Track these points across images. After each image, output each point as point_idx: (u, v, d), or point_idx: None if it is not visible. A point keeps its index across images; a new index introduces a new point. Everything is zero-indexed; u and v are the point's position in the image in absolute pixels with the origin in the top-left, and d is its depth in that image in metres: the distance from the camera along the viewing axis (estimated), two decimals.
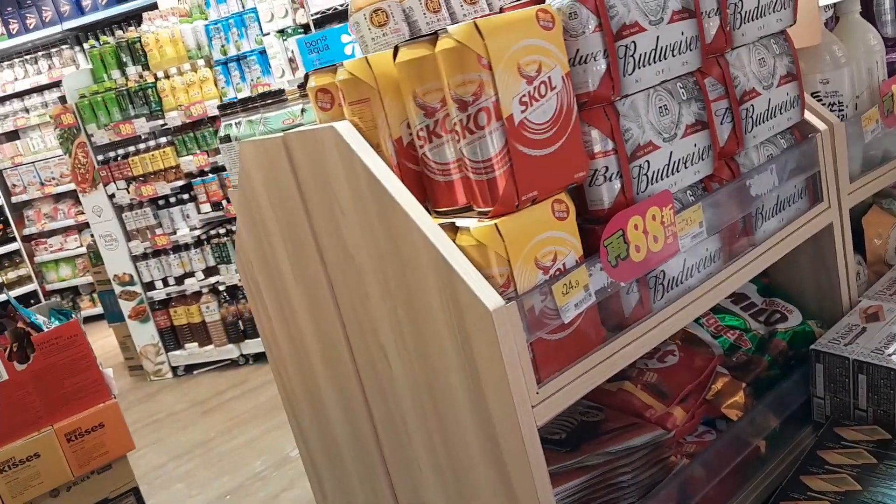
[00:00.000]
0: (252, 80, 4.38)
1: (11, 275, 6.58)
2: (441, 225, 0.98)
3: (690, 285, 1.16)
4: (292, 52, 4.26)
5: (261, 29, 4.32)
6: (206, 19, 4.51)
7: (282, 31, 4.28)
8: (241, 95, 4.41)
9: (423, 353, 1.07)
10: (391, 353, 1.16)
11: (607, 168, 1.05)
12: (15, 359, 2.26)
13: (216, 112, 4.46)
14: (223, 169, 4.60)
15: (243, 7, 4.39)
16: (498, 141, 0.92)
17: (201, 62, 4.46)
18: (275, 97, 1.32)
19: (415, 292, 1.03)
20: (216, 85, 4.48)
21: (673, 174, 1.12)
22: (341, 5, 4.08)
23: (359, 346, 1.25)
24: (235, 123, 1.45)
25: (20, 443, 2.23)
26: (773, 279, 1.55)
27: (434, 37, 0.95)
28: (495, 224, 0.93)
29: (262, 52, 4.33)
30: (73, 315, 2.65)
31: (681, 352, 1.35)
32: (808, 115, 1.36)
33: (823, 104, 1.45)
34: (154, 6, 5.19)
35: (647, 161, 1.08)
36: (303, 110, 1.24)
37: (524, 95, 0.92)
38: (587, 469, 1.10)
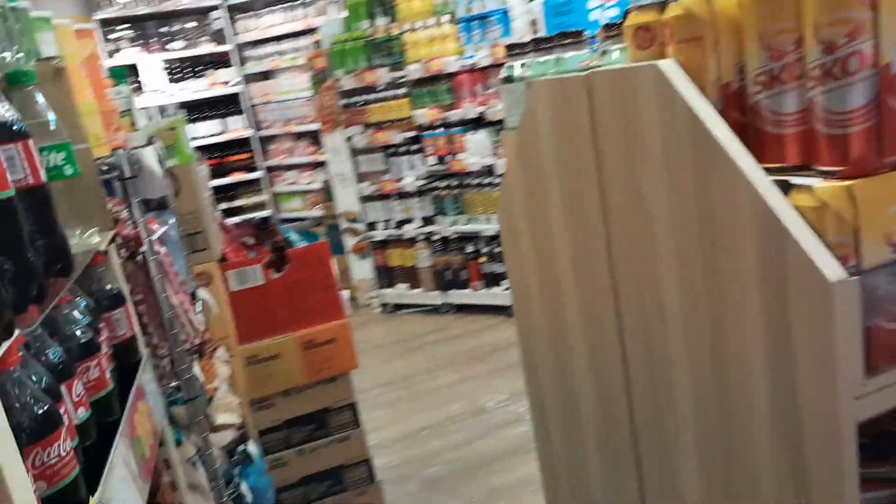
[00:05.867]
0: (492, 41, 4.42)
1: (252, 200, 7.36)
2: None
3: None
4: (536, 15, 4.22)
5: None
6: None
7: None
8: (479, 55, 4.47)
9: (716, 318, 0.99)
10: (671, 314, 1.09)
11: None
12: (272, 268, 2.51)
13: (453, 69, 4.57)
14: (453, 125, 4.73)
15: None
16: (866, 92, 0.80)
17: (445, 17, 4.58)
18: (574, 37, 1.28)
19: (722, 252, 0.95)
20: (457, 41, 4.58)
21: None
22: None
23: (629, 303, 1.20)
24: (521, 64, 1.43)
25: (265, 342, 2.48)
26: None
27: None
28: (848, 185, 0.81)
29: (505, 13, 4.34)
30: (319, 237, 2.88)
31: None
32: None
33: None
34: None
35: None
36: (604, 53, 1.19)
37: None
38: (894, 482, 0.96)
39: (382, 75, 4.85)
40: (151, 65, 6.99)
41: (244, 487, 1.67)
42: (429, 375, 3.98)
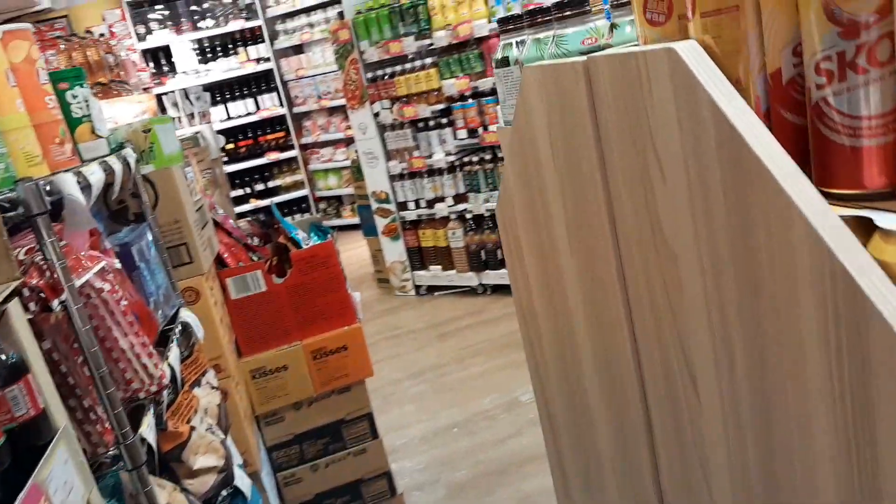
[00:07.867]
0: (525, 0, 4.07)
1: (289, 179, 7.22)
2: (842, 218, 0.60)
3: None
4: None
5: None
6: None
7: None
8: None
9: (764, 403, 0.72)
10: (703, 378, 0.82)
11: None
12: (274, 272, 2.30)
13: (483, 33, 4.24)
14: (483, 94, 4.41)
15: None
16: None
17: None
18: (575, 7, 0.98)
19: (770, 311, 0.67)
20: (486, 3, 4.24)
21: None
22: None
23: (651, 360, 0.93)
24: (517, 43, 1.15)
25: (272, 353, 2.29)
26: None
27: None
28: None
29: None
30: (331, 235, 2.66)
31: None
32: None
33: None
34: None
35: None
36: (613, 27, 0.90)
37: None
38: None
39: (409, 44, 4.56)
40: (183, 46, 6.85)
41: None
42: (460, 365, 3.76)
